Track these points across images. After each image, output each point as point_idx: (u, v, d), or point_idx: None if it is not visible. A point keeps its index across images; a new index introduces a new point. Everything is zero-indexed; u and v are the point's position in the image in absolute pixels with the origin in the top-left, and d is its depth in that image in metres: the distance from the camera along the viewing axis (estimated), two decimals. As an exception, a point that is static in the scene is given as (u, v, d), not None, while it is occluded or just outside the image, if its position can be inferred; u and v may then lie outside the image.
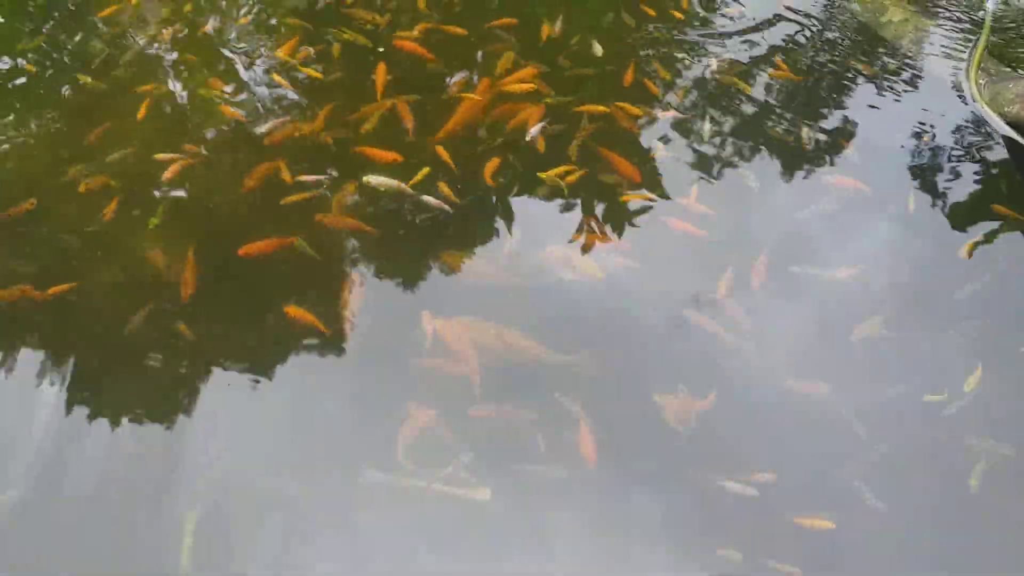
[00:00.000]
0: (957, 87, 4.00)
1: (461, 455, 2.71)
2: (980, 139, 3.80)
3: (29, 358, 2.97)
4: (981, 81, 3.96)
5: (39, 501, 2.67)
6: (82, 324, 3.06)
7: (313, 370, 2.97)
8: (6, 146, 3.61)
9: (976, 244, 3.36)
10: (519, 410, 2.83)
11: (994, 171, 3.69)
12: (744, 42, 4.23)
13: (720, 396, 2.89)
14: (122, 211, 3.31)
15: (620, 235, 3.36)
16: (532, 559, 2.55)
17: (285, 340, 3.04)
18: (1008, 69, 3.99)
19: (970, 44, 4.15)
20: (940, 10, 4.39)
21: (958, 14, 4.36)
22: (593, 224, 3.40)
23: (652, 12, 4.31)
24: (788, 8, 4.42)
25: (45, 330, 3.05)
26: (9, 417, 2.86)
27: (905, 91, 4.03)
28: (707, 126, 3.78)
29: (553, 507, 2.65)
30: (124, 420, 2.84)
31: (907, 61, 4.16)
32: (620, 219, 3.42)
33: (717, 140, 3.76)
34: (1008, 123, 3.76)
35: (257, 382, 2.93)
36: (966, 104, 3.92)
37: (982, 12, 4.33)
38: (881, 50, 4.23)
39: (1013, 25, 4.27)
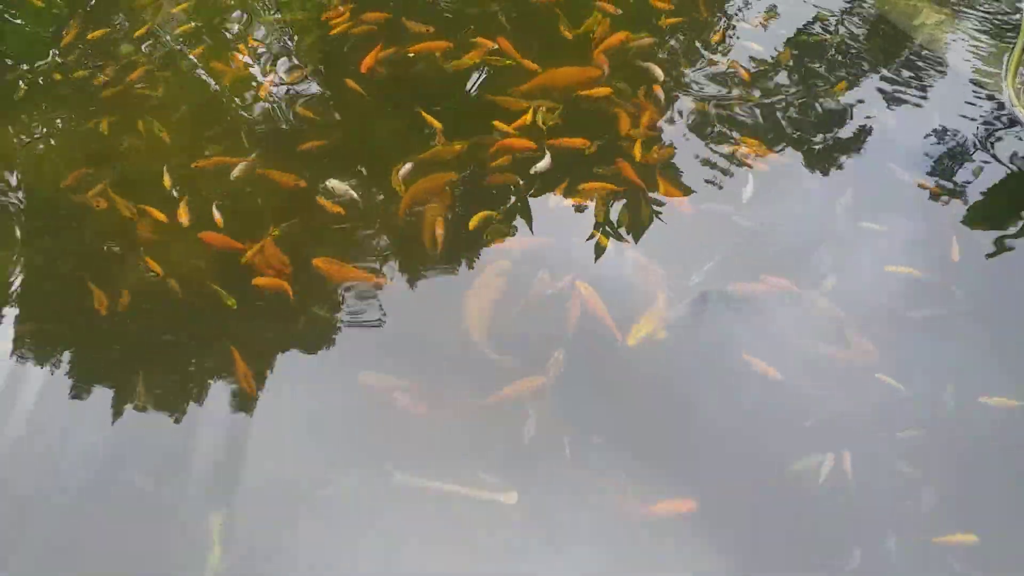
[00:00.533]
0: (994, 91, 3.90)
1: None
2: (1018, 143, 3.70)
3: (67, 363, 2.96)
4: (1019, 85, 3.86)
5: (54, 501, 2.62)
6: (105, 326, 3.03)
7: (335, 369, 2.92)
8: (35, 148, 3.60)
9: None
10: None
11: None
12: (773, 44, 4.15)
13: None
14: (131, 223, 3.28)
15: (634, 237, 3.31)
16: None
17: (304, 340, 2.99)
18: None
19: (1008, 48, 4.05)
20: (975, 13, 4.29)
21: (994, 17, 4.26)
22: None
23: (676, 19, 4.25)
24: (819, 10, 4.33)
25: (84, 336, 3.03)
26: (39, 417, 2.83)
27: (940, 95, 3.93)
28: (735, 135, 3.70)
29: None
30: (143, 421, 2.80)
31: (941, 64, 4.07)
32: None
33: (746, 143, 3.68)
34: (1049, 126, 3.67)
35: (280, 382, 2.88)
36: (1004, 108, 3.82)
37: (1019, 15, 4.23)
38: (914, 53, 4.14)
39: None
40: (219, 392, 2.87)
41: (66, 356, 2.97)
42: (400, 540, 2.50)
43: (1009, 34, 4.15)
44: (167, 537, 2.54)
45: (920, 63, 4.09)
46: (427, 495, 2.56)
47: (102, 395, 2.87)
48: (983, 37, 4.16)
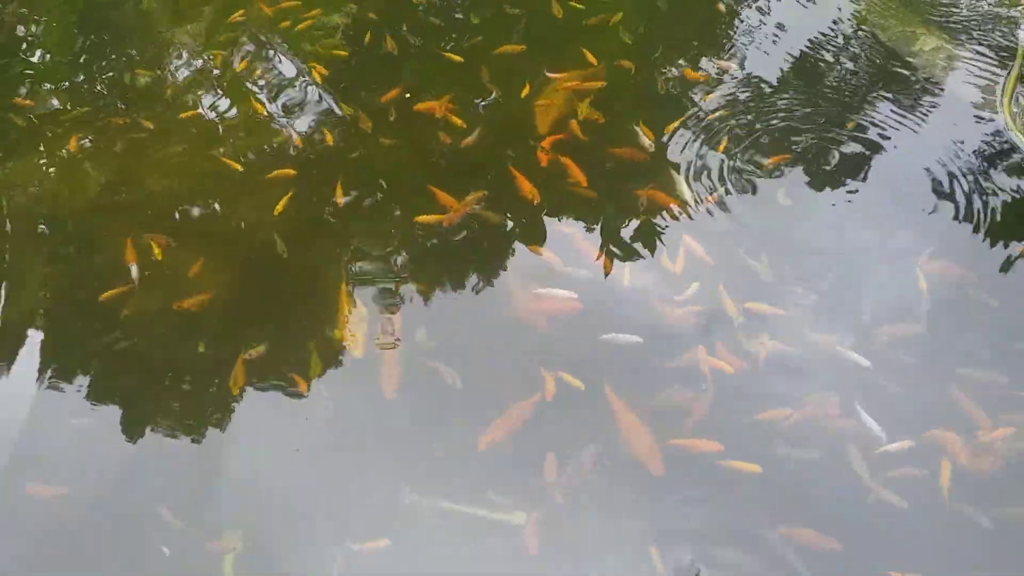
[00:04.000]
0: (990, 116, 3.97)
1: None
2: (1014, 168, 3.77)
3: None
4: (1015, 109, 3.94)
5: (68, 516, 2.74)
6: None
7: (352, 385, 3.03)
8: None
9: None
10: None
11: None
12: (769, 68, 4.26)
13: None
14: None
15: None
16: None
17: (324, 355, 3.10)
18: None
19: (1004, 72, 4.14)
20: (972, 38, 4.38)
21: (991, 42, 4.35)
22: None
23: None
24: (815, 36, 4.43)
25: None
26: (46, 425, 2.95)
27: (936, 120, 4.00)
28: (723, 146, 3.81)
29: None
30: (160, 438, 2.91)
31: (938, 89, 4.14)
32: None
33: (737, 161, 3.79)
34: (1044, 151, 3.74)
35: (295, 398, 2.99)
36: (1000, 133, 3.89)
37: (1016, 39, 4.32)
38: (911, 78, 4.21)
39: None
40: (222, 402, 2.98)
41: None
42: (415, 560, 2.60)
43: (1007, 59, 4.23)
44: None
45: (917, 88, 4.17)
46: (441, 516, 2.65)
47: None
48: (981, 61, 4.24)
